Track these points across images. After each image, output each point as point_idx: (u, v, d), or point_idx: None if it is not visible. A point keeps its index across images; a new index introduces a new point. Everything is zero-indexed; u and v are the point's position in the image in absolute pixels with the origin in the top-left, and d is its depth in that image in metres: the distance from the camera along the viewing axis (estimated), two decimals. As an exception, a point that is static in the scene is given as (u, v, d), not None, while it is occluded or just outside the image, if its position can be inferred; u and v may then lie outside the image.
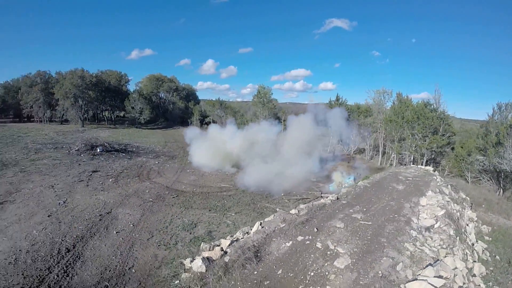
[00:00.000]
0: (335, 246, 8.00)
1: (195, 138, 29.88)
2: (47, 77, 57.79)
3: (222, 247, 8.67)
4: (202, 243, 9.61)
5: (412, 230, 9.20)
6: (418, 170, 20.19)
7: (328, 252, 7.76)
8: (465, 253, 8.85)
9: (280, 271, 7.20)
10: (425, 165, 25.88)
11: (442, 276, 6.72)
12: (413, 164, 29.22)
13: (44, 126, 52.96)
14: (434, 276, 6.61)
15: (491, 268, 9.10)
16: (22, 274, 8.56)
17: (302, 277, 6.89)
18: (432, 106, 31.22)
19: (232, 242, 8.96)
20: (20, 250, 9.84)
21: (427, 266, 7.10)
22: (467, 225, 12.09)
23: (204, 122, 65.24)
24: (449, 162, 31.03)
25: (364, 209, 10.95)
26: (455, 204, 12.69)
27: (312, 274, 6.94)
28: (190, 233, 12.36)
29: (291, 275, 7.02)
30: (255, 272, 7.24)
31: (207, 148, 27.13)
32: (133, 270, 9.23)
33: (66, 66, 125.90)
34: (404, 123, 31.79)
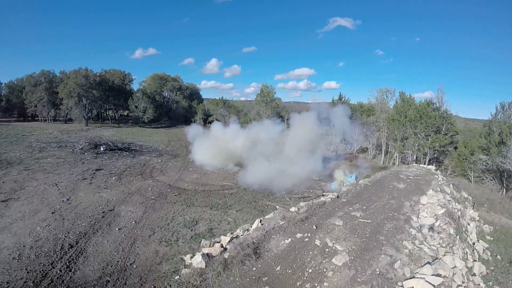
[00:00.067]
0: (333, 244, 8.04)
1: (198, 137, 30.00)
2: (51, 77, 58.37)
3: (222, 244, 8.76)
4: (202, 239, 9.70)
5: (411, 229, 9.20)
6: (420, 169, 20.10)
7: (327, 250, 7.81)
8: (465, 252, 8.84)
9: (278, 268, 7.27)
10: (428, 164, 25.77)
11: (441, 275, 6.73)
12: (415, 163, 29.09)
13: (48, 125, 53.53)
14: (432, 275, 6.63)
15: (492, 268, 9.05)
16: (26, 269, 8.74)
17: (300, 273, 6.95)
18: (434, 105, 31.05)
19: (232, 239, 9.05)
20: (24, 246, 10.04)
21: (425, 264, 7.11)
22: (469, 224, 12.05)
23: (207, 121, 65.42)
24: (452, 162, 30.86)
25: (364, 207, 10.97)
26: (456, 203, 12.64)
27: (310, 270, 7.00)
28: (191, 230, 12.49)
29: (289, 271, 7.09)
30: (254, 269, 7.32)
31: (209, 146, 27.25)
32: (134, 266, 9.37)
33: (70, 65, 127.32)
34: (406, 122, 31.65)
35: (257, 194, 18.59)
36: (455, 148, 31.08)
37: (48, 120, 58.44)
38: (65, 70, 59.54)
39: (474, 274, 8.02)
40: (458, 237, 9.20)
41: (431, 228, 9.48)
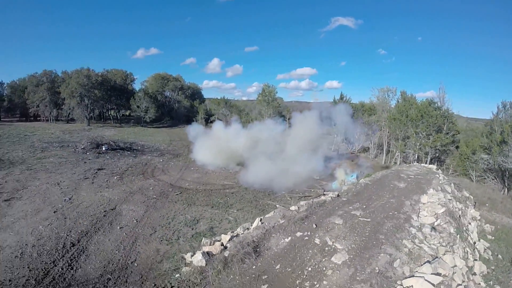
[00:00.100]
0: (333, 242, 8.07)
1: (199, 136, 30.05)
2: (53, 76, 58.47)
3: (222, 242, 8.82)
4: (203, 238, 9.78)
5: (411, 228, 9.21)
6: (421, 168, 20.07)
7: (326, 248, 7.83)
8: (465, 251, 8.82)
9: (278, 266, 7.31)
10: (429, 164, 25.70)
11: (440, 274, 6.73)
12: (417, 162, 29.02)
13: (50, 125, 53.75)
14: (432, 273, 6.63)
15: (493, 267, 9.03)
16: (28, 267, 8.82)
17: (299, 272, 6.99)
18: (436, 105, 30.96)
19: (232, 237, 9.11)
20: (26, 245, 10.13)
21: (425, 263, 7.11)
22: (469, 223, 12.02)
23: (209, 120, 65.46)
24: (454, 161, 30.75)
25: (364, 206, 10.98)
26: (457, 203, 12.62)
27: (309, 269, 7.03)
28: (192, 229, 12.54)
29: (289, 270, 7.12)
30: (254, 267, 7.36)
31: (211, 146, 27.30)
32: (135, 264, 9.43)
33: (72, 65, 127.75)
34: (408, 121, 31.59)
35: (258, 193, 18.63)
36: (457, 147, 31.00)
37: (50, 120, 58.64)
38: (67, 70, 59.73)
39: (474, 273, 8.00)
40: (458, 236, 9.18)
41: (431, 227, 9.48)
